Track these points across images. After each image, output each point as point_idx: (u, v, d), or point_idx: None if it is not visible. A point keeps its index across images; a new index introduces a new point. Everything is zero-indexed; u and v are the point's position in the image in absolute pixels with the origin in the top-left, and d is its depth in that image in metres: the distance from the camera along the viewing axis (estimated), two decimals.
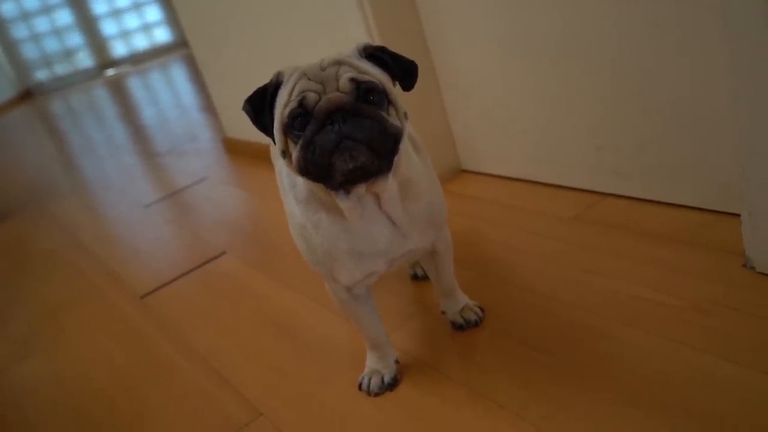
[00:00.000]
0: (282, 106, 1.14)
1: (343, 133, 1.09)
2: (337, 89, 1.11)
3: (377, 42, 2.13)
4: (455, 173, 2.43)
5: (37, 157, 5.75)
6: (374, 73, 1.15)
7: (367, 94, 1.12)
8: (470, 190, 2.30)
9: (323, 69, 1.14)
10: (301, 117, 1.12)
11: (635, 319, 1.40)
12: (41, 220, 3.66)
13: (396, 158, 1.17)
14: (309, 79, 1.13)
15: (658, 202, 1.80)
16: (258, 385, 1.60)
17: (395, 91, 1.18)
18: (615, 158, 1.86)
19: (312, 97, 1.11)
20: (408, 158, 1.27)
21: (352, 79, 1.11)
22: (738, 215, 1.48)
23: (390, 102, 1.15)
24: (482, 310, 1.56)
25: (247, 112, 1.19)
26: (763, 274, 1.41)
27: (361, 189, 1.18)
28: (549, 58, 1.89)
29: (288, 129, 1.14)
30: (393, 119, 1.15)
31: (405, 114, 1.18)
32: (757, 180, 1.34)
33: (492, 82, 2.13)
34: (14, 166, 5.67)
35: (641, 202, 1.83)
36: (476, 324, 1.54)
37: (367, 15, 2.13)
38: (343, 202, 1.19)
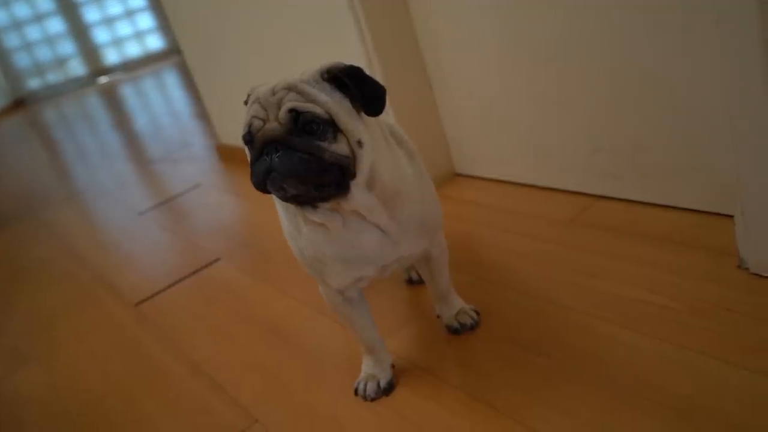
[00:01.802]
0: (242, 127, 1.17)
1: (273, 165, 1.11)
2: (276, 119, 1.12)
3: (370, 46, 2.13)
4: (449, 177, 2.43)
5: (31, 166, 5.74)
6: (323, 101, 1.12)
7: (307, 124, 1.11)
8: (465, 193, 2.30)
9: (274, 94, 1.14)
10: (251, 142, 1.15)
11: (632, 321, 1.40)
12: (35, 229, 3.64)
13: (354, 181, 1.15)
14: (259, 105, 1.14)
15: (654, 204, 1.80)
16: (253, 391, 1.60)
17: (354, 116, 1.15)
18: (611, 161, 1.86)
19: (256, 124, 1.14)
20: (396, 167, 1.25)
21: (291, 110, 1.11)
22: (732, 216, 1.48)
23: (339, 130, 1.13)
24: (478, 313, 1.56)
25: None
26: (756, 274, 1.41)
27: (325, 205, 1.18)
28: (544, 60, 1.90)
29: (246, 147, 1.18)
30: (338, 147, 1.12)
31: (359, 142, 1.14)
32: (750, 181, 1.35)
33: (486, 85, 2.13)
34: (7, 175, 5.65)
35: (637, 205, 1.84)
36: (472, 328, 1.54)
37: (359, 18, 2.13)
38: (312, 216, 1.20)
